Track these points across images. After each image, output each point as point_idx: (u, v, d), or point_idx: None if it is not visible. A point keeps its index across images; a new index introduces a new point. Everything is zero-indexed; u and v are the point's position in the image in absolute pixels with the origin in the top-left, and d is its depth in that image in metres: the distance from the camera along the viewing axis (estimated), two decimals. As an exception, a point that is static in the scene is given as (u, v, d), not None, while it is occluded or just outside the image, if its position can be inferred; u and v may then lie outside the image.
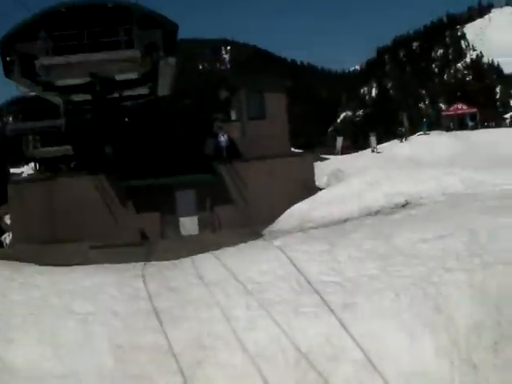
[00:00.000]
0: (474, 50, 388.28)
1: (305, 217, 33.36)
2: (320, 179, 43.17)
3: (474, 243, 23.20)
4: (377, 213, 32.03)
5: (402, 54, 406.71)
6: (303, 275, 23.03)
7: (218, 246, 29.55)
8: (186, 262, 26.75)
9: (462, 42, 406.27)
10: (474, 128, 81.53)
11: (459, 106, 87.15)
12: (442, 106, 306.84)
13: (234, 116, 42.07)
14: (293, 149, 45.30)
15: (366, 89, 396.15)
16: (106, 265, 27.46)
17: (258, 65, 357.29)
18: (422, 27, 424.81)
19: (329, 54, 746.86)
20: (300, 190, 36.93)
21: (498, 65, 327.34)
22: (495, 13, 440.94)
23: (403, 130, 79.96)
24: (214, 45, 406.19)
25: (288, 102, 42.01)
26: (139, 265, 26.73)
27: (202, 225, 36.77)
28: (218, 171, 36.73)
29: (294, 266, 23.80)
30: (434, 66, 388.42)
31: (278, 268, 24.02)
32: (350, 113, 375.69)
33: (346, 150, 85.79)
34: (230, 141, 38.32)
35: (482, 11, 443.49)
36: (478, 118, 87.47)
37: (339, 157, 78.19)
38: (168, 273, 25.35)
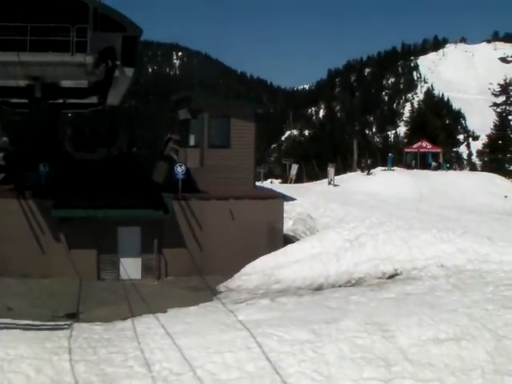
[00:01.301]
0: (426, 82, 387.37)
1: (271, 275, 28.05)
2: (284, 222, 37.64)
3: (501, 353, 18.09)
4: (359, 281, 26.90)
5: (353, 79, 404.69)
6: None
7: (164, 301, 25.31)
8: (126, 331, 21.02)
9: (415, 73, 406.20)
10: (437, 168, 77.57)
11: (423, 143, 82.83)
12: (390, 133, 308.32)
13: (192, 141, 36.32)
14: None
15: (313, 109, 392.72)
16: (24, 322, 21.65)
17: (207, 73, 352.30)
18: (376, 54, 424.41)
19: (278, 70, 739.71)
20: (266, 240, 31.68)
21: (448, 100, 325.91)
22: (449, 48, 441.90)
23: (369, 162, 75.98)
24: (164, 49, 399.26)
25: (256, 130, 36.38)
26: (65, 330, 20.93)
27: (146, 269, 30.91)
28: (171, 208, 30.82)
29: (270, 363, 18.17)
30: (384, 94, 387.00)
31: (247, 362, 18.36)
32: (295, 132, 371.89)
33: (298, 178, 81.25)
34: (187, 172, 32.33)
35: (436, 45, 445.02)
36: (441, 158, 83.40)
37: (292, 185, 73.60)
38: (102, 350, 19.49)
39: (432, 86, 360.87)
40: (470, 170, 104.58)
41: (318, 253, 29.00)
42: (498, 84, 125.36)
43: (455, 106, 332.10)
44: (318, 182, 75.26)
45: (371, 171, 72.08)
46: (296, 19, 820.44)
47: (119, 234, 30.49)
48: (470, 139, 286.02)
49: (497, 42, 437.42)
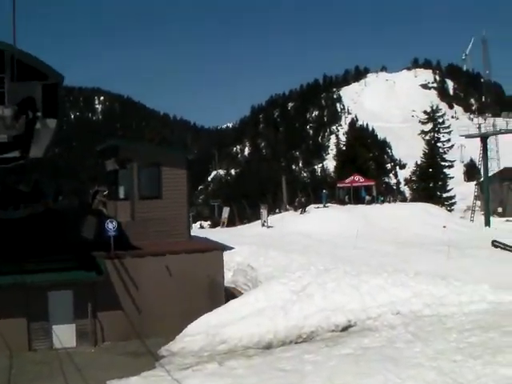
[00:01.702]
0: (350, 113, 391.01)
1: (215, 335, 26.17)
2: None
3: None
4: (311, 336, 25.21)
5: (276, 114, 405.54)
6: None
7: (102, 371, 23.40)
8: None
9: (338, 104, 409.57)
10: (371, 202, 76.63)
11: (355, 177, 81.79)
12: (317, 167, 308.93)
13: (122, 193, 34.30)
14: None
15: (238, 147, 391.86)
16: None
17: (129, 117, 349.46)
18: (298, 88, 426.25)
19: (201, 110, 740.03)
20: (207, 295, 29.84)
21: (373, 130, 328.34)
22: (371, 78, 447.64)
23: (303, 199, 74.81)
24: (86, 93, 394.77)
25: (188, 178, 34.59)
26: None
27: (80, 335, 28.64)
28: (104, 268, 28.62)
29: None
30: (308, 127, 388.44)
31: None
32: (222, 172, 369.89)
33: (230, 221, 79.67)
34: (119, 227, 30.25)
35: (358, 75, 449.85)
36: (374, 191, 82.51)
37: (225, 229, 71.81)
38: None
39: (356, 116, 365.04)
40: (402, 200, 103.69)
41: (264, 307, 27.22)
42: (424, 111, 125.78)
43: (380, 135, 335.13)
44: (251, 223, 73.69)
45: (306, 209, 70.58)
46: (216, 53, 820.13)
47: (50, 299, 28.20)
48: (397, 168, 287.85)
49: (417, 69, 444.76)
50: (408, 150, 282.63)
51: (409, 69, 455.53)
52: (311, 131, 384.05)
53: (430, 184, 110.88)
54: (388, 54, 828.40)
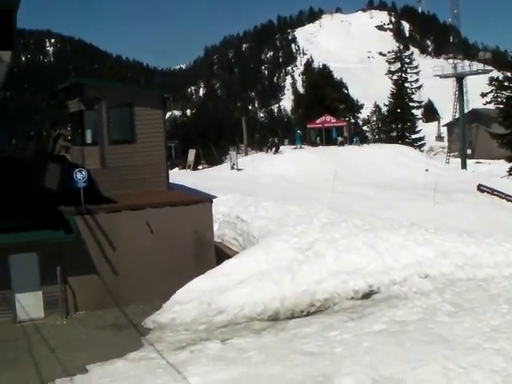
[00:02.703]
0: (305, 54, 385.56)
1: (211, 303, 22.19)
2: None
3: None
4: (325, 304, 21.32)
5: (230, 55, 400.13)
6: None
7: (80, 351, 19.47)
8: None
9: (293, 45, 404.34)
10: (343, 143, 72.76)
11: (327, 118, 77.35)
12: (274, 108, 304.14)
13: (89, 138, 29.83)
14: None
15: (193, 88, 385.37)
16: None
17: (82, 58, 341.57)
18: (252, 29, 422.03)
19: (154, 52, 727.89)
20: (193, 254, 25.64)
21: (330, 70, 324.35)
22: (326, 19, 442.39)
23: (276, 140, 70.72)
24: (36, 36, 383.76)
25: (164, 119, 30.33)
26: None
27: (49, 304, 24.25)
28: (74, 226, 24.23)
29: None
30: (263, 68, 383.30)
31: None
32: (177, 112, 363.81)
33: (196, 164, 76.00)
34: (89, 178, 25.73)
35: (312, 16, 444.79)
36: (346, 132, 78.45)
37: (193, 172, 67.83)
38: None
39: (311, 57, 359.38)
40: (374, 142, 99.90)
41: (266, 269, 23.23)
42: (392, 51, 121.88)
43: (336, 75, 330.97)
44: (219, 166, 69.74)
45: (279, 150, 66.58)
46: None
47: (12, 264, 23.72)
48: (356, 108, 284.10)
49: (372, 11, 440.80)
50: (364, 91, 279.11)
51: (364, 10, 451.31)
52: (266, 72, 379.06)
53: (398, 125, 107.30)
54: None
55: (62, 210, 24.67)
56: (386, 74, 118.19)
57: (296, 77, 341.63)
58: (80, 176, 24.92)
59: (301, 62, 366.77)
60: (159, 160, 29.55)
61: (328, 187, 46.81)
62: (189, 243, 25.76)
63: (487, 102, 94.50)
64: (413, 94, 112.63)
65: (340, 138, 74.07)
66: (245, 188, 44.32)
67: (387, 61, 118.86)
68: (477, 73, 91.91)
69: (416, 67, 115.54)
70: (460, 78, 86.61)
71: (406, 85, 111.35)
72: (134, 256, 25.04)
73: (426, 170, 58.44)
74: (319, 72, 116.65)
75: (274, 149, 67.34)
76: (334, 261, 23.19)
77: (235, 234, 29.67)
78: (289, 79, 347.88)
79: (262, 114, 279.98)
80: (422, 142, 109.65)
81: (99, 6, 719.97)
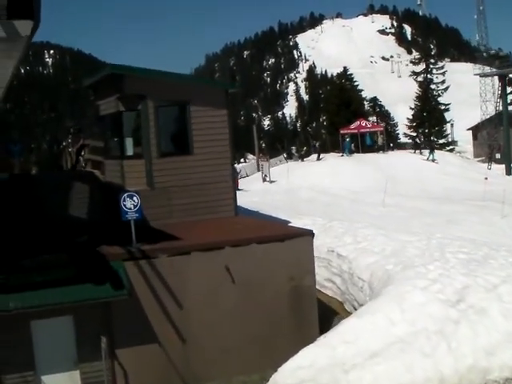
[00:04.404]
0: (307, 60, 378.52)
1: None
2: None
3: None
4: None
5: (232, 63, 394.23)
6: None
7: None
8: None
9: (295, 51, 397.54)
10: (381, 149, 66.42)
11: (362, 122, 70.33)
12: (279, 115, 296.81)
13: (129, 148, 22.43)
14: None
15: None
16: None
17: (82, 70, 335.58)
18: (253, 36, 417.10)
19: (155, 61, 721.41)
20: (292, 312, 18.31)
21: (332, 76, 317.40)
22: (327, 24, 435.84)
23: (317, 145, 64.52)
24: (35, 48, 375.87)
25: (231, 122, 22.83)
26: None
27: (89, 389, 16.66)
28: (124, 277, 16.49)
29: None
30: (265, 75, 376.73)
31: None
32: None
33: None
34: (138, 202, 17.86)
35: (313, 22, 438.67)
36: (379, 137, 71.59)
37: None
38: None
39: (314, 63, 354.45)
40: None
41: (408, 334, 15.69)
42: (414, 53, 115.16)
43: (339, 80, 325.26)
44: (248, 178, 62.93)
45: (320, 157, 60.07)
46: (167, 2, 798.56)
47: (36, 333, 16.24)
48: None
49: (373, 15, 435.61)
50: (369, 95, 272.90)
51: (365, 15, 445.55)
52: (268, 79, 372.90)
53: (425, 129, 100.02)
54: (342, 1, 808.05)
55: (105, 253, 17.10)
56: (410, 76, 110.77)
57: (299, 83, 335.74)
58: (130, 203, 17.30)
59: (303, 68, 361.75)
60: (225, 177, 22.28)
61: (374, 200, 43.14)
62: (283, 295, 18.26)
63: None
64: (439, 96, 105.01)
65: (379, 141, 67.48)
66: (283, 203, 39.65)
67: (411, 61, 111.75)
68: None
69: (442, 67, 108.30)
70: (503, 77, 79.59)
71: (432, 86, 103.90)
72: (209, 316, 17.47)
73: (486, 179, 54.09)
74: (341, 75, 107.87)
75: (317, 155, 62.51)
76: (503, 319, 15.78)
77: (329, 274, 21.88)
78: (292, 86, 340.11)
79: (267, 122, 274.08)
80: (452, 146, 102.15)
81: (98, 16, 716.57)
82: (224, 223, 20.69)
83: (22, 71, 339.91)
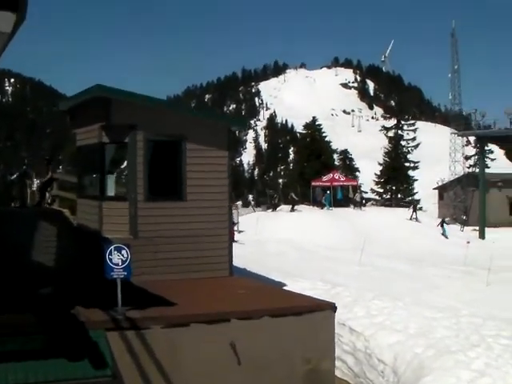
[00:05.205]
0: (268, 108, 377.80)
1: None
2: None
3: None
4: None
5: (193, 106, 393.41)
6: None
7: None
8: None
9: (256, 99, 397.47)
10: (360, 205, 64.06)
11: (335, 175, 67.61)
12: (237, 162, 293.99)
13: (110, 188, 19.02)
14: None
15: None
16: None
17: (41, 101, 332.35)
18: (216, 80, 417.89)
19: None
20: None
21: (292, 126, 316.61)
22: (290, 74, 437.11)
23: (292, 195, 62.25)
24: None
25: (230, 166, 19.54)
26: None
27: None
28: (106, 351, 12.60)
29: None
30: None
31: None
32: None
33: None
34: (128, 258, 14.12)
35: (277, 70, 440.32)
36: (359, 192, 69.15)
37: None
38: None
39: (275, 112, 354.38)
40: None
41: None
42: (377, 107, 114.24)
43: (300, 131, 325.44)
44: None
45: (294, 208, 57.89)
46: (132, 41, 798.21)
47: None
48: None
49: (337, 68, 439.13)
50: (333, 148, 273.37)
51: (329, 67, 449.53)
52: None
53: (392, 187, 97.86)
54: (307, 52, 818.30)
55: (82, 318, 13.46)
56: (381, 130, 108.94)
57: (258, 131, 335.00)
58: (118, 258, 13.68)
59: (264, 116, 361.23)
60: (221, 229, 18.80)
61: (349, 258, 41.64)
62: (295, 381, 14.73)
63: (470, 166, 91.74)
64: (409, 153, 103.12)
65: (357, 198, 65.02)
66: (251, 257, 35.69)
67: (382, 116, 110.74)
68: (499, 132, 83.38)
69: (414, 124, 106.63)
70: (480, 139, 78.30)
71: (402, 143, 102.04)
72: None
73: (468, 242, 52.72)
74: (309, 125, 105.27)
75: (291, 206, 61.03)
76: None
77: (339, 351, 18.25)
78: (251, 133, 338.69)
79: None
80: (419, 205, 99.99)
81: (62, 48, 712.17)
82: (221, 285, 17.30)
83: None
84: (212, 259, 18.47)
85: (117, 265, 13.58)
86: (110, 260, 13.58)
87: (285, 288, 21.25)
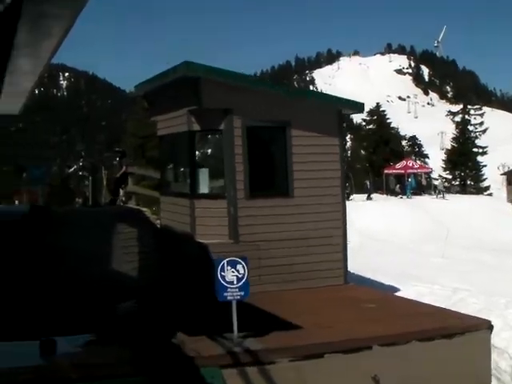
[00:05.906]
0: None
1: None
2: None
3: None
4: None
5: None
6: None
7: None
8: None
9: (311, 87, 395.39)
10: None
11: (409, 162, 64.42)
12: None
13: (203, 185, 16.10)
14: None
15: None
16: None
17: (95, 93, 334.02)
18: (270, 69, 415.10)
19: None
20: None
21: (348, 115, 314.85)
22: (344, 61, 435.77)
23: (368, 183, 59.63)
24: (50, 69, 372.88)
25: (343, 155, 16.64)
26: None
27: None
28: None
29: None
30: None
31: None
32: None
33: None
34: (245, 274, 11.14)
35: (330, 58, 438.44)
36: (424, 179, 65.85)
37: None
38: None
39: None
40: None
41: None
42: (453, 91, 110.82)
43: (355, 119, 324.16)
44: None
45: (371, 196, 57.24)
46: (186, 33, 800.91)
47: None
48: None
49: (391, 54, 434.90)
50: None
51: (382, 54, 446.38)
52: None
53: (461, 173, 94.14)
54: (360, 39, 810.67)
55: (188, 352, 10.59)
56: (447, 116, 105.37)
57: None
58: (232, 275, 10.83)
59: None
60: (334, 228, 15.94)
61: (429, 249, 39.51)
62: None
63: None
64: (476, 138, 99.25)
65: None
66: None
67: (449, 100, 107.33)
68: None
69: (480, 108, 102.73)
70: None
71: (470, 128, 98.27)
72: None
73: None
74: (374, 111, 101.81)
75: (367, 195, 58.54)
76: None
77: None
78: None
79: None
80: (489, 191, 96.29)
81: (115, 42, 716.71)
82: (341, 298, 14.47)
83: (36, 92, 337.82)
84: (325, 265, 15.66)
85: (231, 283, 10.72)
86: (223, 278, 10.74)
87: (399, 294, 18.32)
